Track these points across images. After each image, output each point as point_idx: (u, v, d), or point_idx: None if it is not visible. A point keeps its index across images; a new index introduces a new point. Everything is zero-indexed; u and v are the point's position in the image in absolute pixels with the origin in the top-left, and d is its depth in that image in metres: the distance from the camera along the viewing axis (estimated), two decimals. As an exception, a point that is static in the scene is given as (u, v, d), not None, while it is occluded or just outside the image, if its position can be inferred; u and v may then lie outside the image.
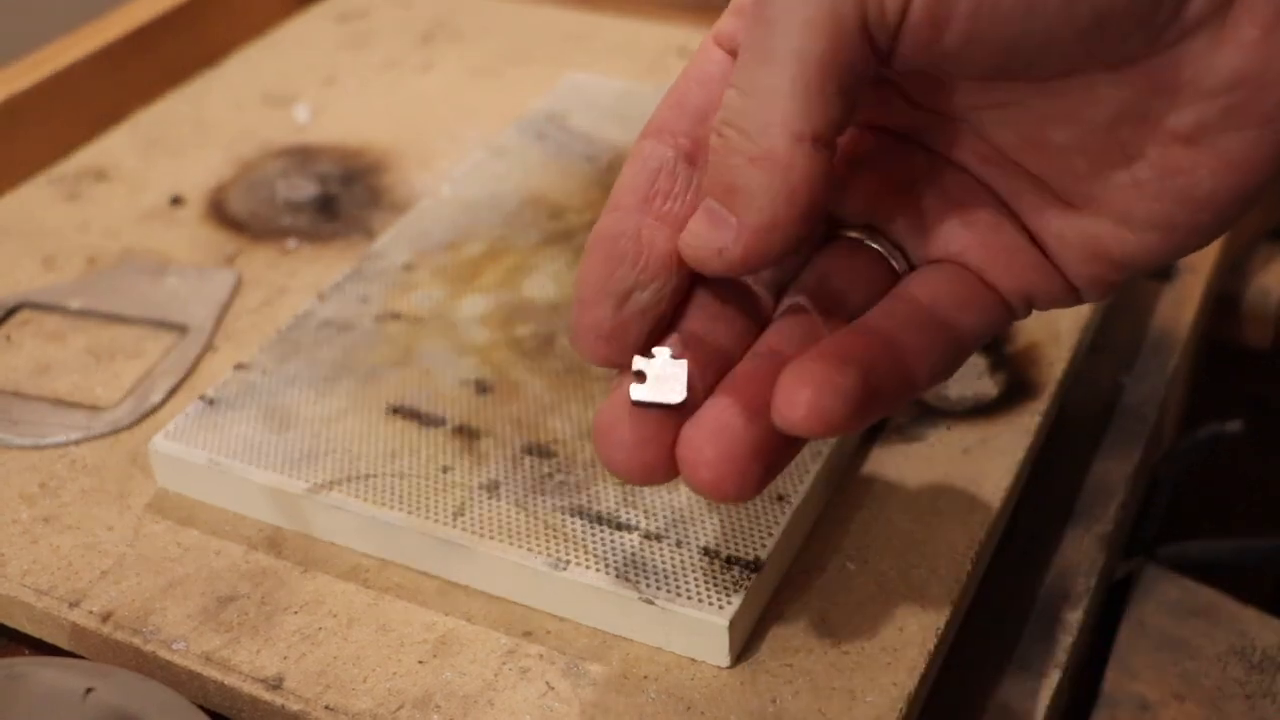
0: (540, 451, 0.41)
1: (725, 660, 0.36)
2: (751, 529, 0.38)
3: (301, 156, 0.60)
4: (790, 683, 0.36)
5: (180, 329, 0.50)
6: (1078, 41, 0.26)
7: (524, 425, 0.42)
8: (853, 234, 0.31)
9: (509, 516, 0.39)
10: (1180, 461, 0.52)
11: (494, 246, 0.51)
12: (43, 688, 0.35)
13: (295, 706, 0.36)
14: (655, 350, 0.29)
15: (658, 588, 0.37)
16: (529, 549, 0.38)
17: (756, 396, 0.28)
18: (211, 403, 0.43)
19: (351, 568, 0.40)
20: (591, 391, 0.44)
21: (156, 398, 0.47)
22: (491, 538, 0.38)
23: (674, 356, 0.29)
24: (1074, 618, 0.42)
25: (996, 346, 0.46)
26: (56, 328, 0.51)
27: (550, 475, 0.41)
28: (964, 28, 0.25)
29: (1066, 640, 0.41)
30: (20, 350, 0.50)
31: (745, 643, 0.37)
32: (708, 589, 0.36)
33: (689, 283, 0.30)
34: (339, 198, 0.57)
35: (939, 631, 0.37)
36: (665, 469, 0.29)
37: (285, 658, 0.37)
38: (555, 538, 0.38)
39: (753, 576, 0.37)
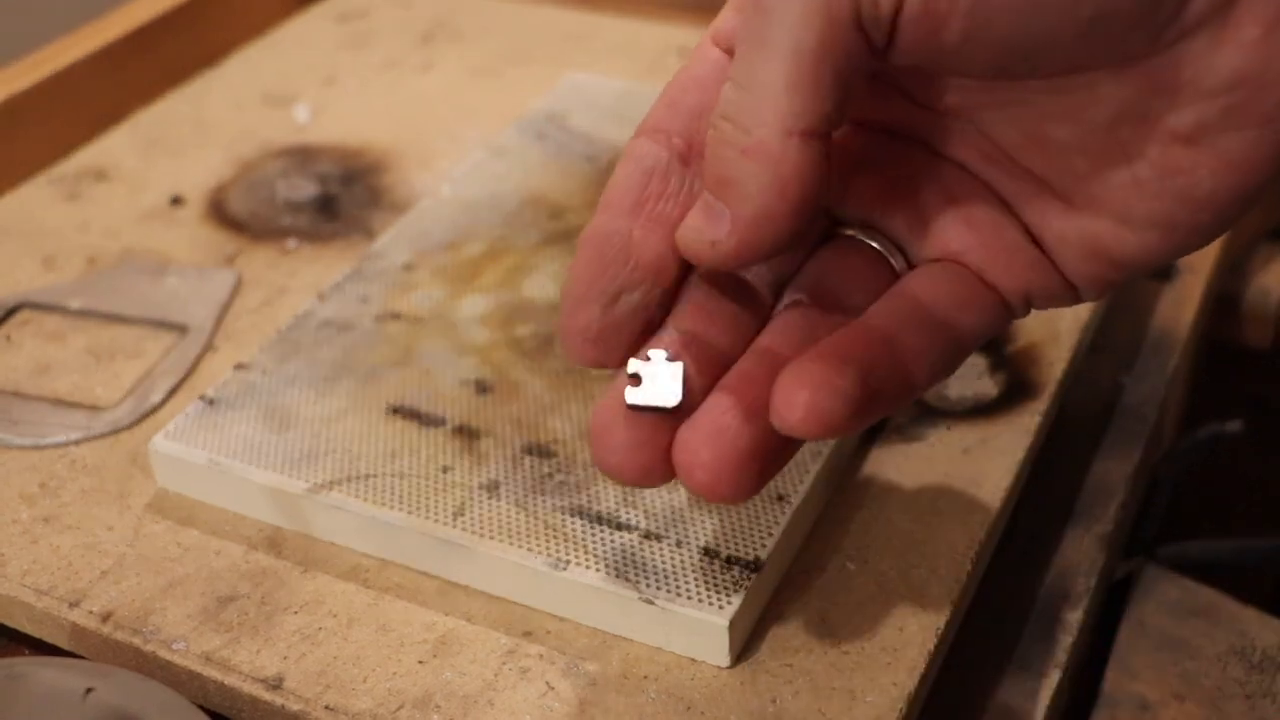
0: (540, 451, 0.41)
1: (725, 660, 0.36)
2: (751, 529, 0.38)
3: (301, 156, 0.60)
4: (790, 683, 0.36)
5: (180, 329, 0.50)
6: (1079, 40, 0.26)
7: (524, 425, 0.42)
8: (852, 232, 0.31)
9: (509, 516, 0.39)
10: (1180, 461, 0.52)
11: (494, 246, 0.51)
12: (43, 688, 0.35)
13: (295, 706, 0.36)
14: (651, 352, 0.29)
15: (658, 588, 0.37)
16: (529, 549, 0.38)
17: (754, 397, 0.28)
18: (211, 403, 0.43)
19: (351, 568, 0.40)
20: (592, 391, 0.44)
21: (156, 398, 0.47)
22: (491, 538, 0.38)
23: (671, 358, 0.29)
24: (1074, 618, 0.42)
25: (996, 346, 0.46)
26: (56, 328, 0.51)
27: (550, 475, 0.40)
28: (964, 25, 0.25)
29: (1066, 640, 0.41)
30: (20, 350, 0.50)
31: (745, 643, 0.37)
32: (708, 589, 0.36)
33: (680, 285, 0.30)
34: (339, 198, 0.57)
35: (939, 631, 0.37)
36: (661, 471, 0.29)
37: (285, 658, 0.37)
38: (555, 538, 0.38)
39: (753, 576, 0.37)
